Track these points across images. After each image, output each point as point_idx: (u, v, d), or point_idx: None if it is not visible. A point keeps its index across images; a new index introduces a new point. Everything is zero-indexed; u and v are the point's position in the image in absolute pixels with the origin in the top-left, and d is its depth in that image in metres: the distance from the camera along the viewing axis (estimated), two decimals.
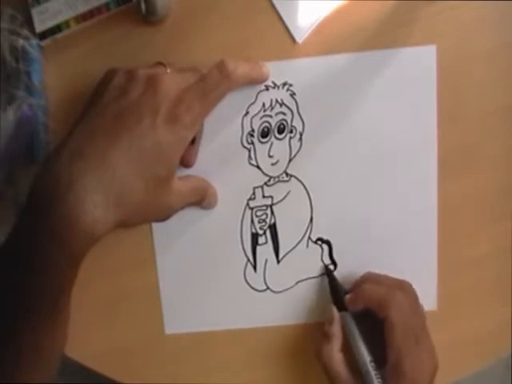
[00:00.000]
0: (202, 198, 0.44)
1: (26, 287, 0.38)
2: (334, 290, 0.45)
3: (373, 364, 0.42)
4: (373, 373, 0.42)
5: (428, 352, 0.42)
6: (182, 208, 0.43)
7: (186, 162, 0.44)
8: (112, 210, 0.38)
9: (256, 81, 0.44)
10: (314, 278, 0.47)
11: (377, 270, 0.45)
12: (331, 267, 0.46)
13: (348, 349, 0.43)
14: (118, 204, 0.38)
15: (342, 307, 0.44)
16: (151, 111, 0.39)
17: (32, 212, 0.38)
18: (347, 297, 0.44)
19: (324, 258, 0.46)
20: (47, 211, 0.37)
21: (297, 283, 0.47)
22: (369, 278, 0.45)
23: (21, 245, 0.38)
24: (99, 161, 0.37)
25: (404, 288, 0.43)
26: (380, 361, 0.42)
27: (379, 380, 0.41)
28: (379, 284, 0.43)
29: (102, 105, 0.40)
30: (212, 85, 0.40)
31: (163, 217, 0.43)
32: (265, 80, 0.44)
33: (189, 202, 0.43)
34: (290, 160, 0.46)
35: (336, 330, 0.44)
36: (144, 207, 0.40)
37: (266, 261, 0.47)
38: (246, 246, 0.47)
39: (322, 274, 0.47)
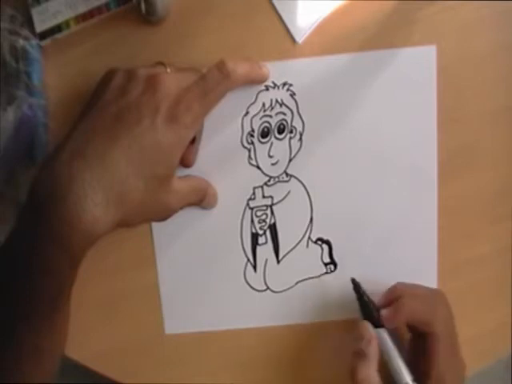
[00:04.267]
0: (202, 198, 0.44)
1: (25, 287, 0.38)
2: (365, 305, 0.43)
3: (415, 383, 0.41)
4: None
5: (461, 360, 0.42)
6: (182, 208, 0.43)
7: (185, 162, 0.44)
8: (112, 210, 0.38)
9: (256, 81, 0.44)
10: (313, 278, 0.47)
11: (377, 270, 0.45)
12: (331, 267, 0.46)
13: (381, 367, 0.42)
14: (117, 203, 0.38)
15: (376, 323, 0.42)
16: (151, 111, 0.39)
17: (32, 212, 0.38)
18: (384, 312, 0.42)
19: (324, 258, 0.46)
20: (47, 211, 0.37)
21: (297, 283, 0.47)
22: (403, 291, 0.43)
23: (20, 245, 0.38)
24: (99, 160, 0.38)
25: (443, 300, 0.42)
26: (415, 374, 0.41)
27: None
28: (417, 297, 0.42)
29: (101, 105, 0.40)
30: (212, 84, 0.40)
31: (163, 216, 0.43)
32: (265, 80, 0.44)
33: (188, 202, 0.43)
34: (290, 160, 0.46)
35: (374, 349, 0.41)
36: (144, 207, 0.40)
37: (266, 261, 0.47)
38: (245, 246, 0.47)
39: (322, 274, 0.47)
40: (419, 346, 0.42)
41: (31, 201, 0.38)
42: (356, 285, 0.44)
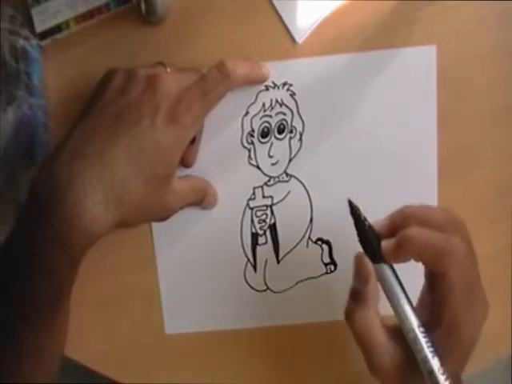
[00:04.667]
0: (202, 198, 0.44)
1: (25, 287, 0.38)
2: (363, 234, 0.36)
3: (421, 329, 0.35)
4: (423, 340, 0.34)
5: (480, 302, 0.36)
6: (182, 208, 0.43)
7: (185, 162, 0.44)
8: (112, 209, 0.38)
9: (256, 81, 0.44)
10: (314, 278, 0.47)
11: None
12: (331, 267, 0.46)
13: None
14: (117, 203, 0.38)
15: (377, 258, 0.35)
16: (151, 111, 0.39)
17: (32, 211, 0.38)
18: (386, 244, 0.35)
19: (324, 258, 0.46)
20: (47, 210, 0.37)
21: (297, 283, 0.47)
22: (411, 218, 0.35)
23: (20, 244, 0.38)
24: (99, 160, 0.38)
25: (459, 228, 0.35)
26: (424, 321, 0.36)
27: (430, 348, 0.34)
28: (428, 226, 0.34)
29: (101, 104, 0.40)
30: (212, 85, 0.40)
31: (163, 216, 0.43)
32: (264, 80, 0.44)
33: (188, 202, 0.43)
34: (290, 160, 0.46)
35: (373, 289, 0.35)
36: (144, 206, 0.40)
37: (266, 261, 0.47)
38: (245, 246, 0.47)
39: (322, 274, 0.47)
40: (430, 285, 0.36)
41: (31, 200, 0.38)
42: (353, 207, 0.37)
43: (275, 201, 0.46)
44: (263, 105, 0.45)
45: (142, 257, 0.47)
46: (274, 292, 0.47)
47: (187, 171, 0.45)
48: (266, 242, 0.47)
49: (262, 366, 0.48)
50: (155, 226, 0.47)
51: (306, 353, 0.47)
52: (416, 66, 0.44)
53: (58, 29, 0.44)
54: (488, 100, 0.44)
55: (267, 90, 0.45)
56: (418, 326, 0.35)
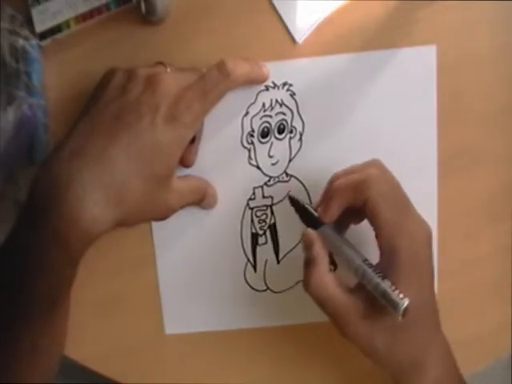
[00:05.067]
0: (202, 198, 0.44)
1: (24, 286, 0.38)
2: (303, 213, 0.41)
3: (367, 261, 0.38)
4: (370, 270, 0.37)
5: (417, 221, 0.39)
6: (182, 207, 0.43)
7: (185, 162, 0.44)
8: (111, 209, 0.38)
9: (256, 81, 0.44)
10: None
11: None
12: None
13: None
14: (117, 202, 0.38)
15: (317, 224, 0.40)
16: (151, 110, 0.39)
17: (31, 210, 0.38)
18: (319, 209, 0.40)
19: None
20: (47, 210, 0.37)
21: (297, 283, 0.47)
22: (335, 178, 0.40)
23: (20, 244, 0.38)
24: (98, 159, 0.38)
25: (376, 165, 0.39)
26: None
27: (379, 274, 0.37)
28: (346, 177, 0.39)
29: (101, 104, 0.40)
30: (211, 84, 0.40)
31: (162, 216, 0.43)
32: (265, 80, 0.44)
33: (188, 202, 0.43)
34: (290, 160, 0.46)
35: (317, 249, 0.39)
36: (143, 206, 0.40)
37: (266, 261, 0.47)
38: (245, 246, 0.47)
39: None
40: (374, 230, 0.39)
41: (31, 200, 0.38)
42: (291, 198, 0.42)
43: (275, 201, 0.46)
44: (263, 105, 0.45)
45: (142, 257, 0.47)
46: (274, 292, 0.47)
47: (187, 171, 0.45)
48: (266, 242, 0.47)
49: (262, 365, 0.48)
50: (155, 225, 0.47)
51: (305, 353, 0.47)
52: (416, 66, 0.44)
53: (57, 29, 0.44)
54: (488, 100, 0.44)
55: (267, 90, 0.45)
56: (364, 260, 0.38)
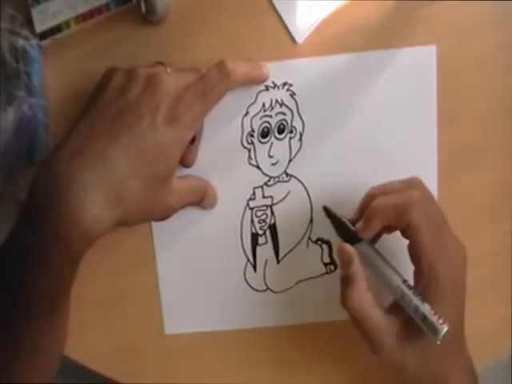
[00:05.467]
0: (202, 198, 0.44)
1: (24, 286, 0.38)
2: (340, 226, 0.41)
3: (407, 282, 0.38)
4: (409, 292, 0.37)
5: (455, 242, 0.39)
6: (182, 208, 0.43)
7: (185, 162, 0.44)
8: (111, 209, 0.38)
9: (256, 81, 0.44)
10: (314, 278, 0.47)
11: None
12: (331, 267, 0.46)
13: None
14: (117, 202, 0.38)
15: (354, 239, 0.39)
16: (151, 110, 0.39)
17: (31, 210, 0.38)
18: (358, 225, 0.39)
19: (324, 258, 0.46)
20: (47, 210, 0.37)
21: (297, 283, 0.47)
22: (374, 194, 0.40)
23: (20, 244, 0.38)
24: (99, 159, 0.38)
25: (416, 184, 0.39)
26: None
27: (419, 297, 0.37)
28: (388, 194, 0.39)
29: (101, 104, 0.40)
30: (211, 84, 0.40)
31: (162, 216, 0.43)
32: (265, 80, 0.44)
33: (188, 202, 0.43)
34: (290, 160, 0.46)
35: (357, 267, 0.38)
36: (143, 206, 0.40)
37: (266, 261, 0.47)
38: (245, 246, 0.47)
39: (322, 274, 0.47)
40: (409, 250, 0.39)
41: (31, 200, 0.38)
42: (327, 210, 0.42)
43: (275, 201, 0.46)
44: (263, 105, 0.45)
45: (142, 257, 0.47)
46: (274, 292, 0.47)
47: (187, 171, 0.45)
48: (266, 242, 0.47)
49: (262, 366, 0.48)
50: (155, 225, 0.47)
51: (306, 353, 0.47)
52: (416, 66, 0.44)
53: (57, 29, 0.44)
54: (488, 100, 0.44)
55: (267, 90, 0.45)
56: (403, 281, 0.38)
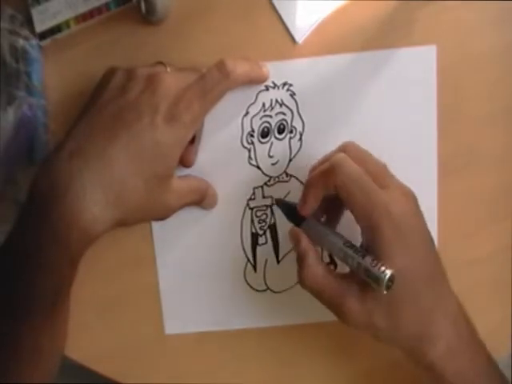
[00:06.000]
0: (202, 198, 0.44)
1: (24, 286, 0.38)
2: (287, 211, 0.42)
3: (348, 243, 0.38)
4: (350, 251, 0.37)
5: (397, 187, 0.39)
6: (181, 208, 0.43)
7: (185, 162, 0.44)
8: (111, 208, 0.38)
9: (256, 81, 0.44)
10: None
11: None
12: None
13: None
14: (116, 202, 0.38)
15: (300, 220, 0.41)
16: (150, 110, 0.39)
17: (31, 210, 0.38)
18: (298, 204, 0.40)
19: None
20: (46, 209, 0.37)
21: (297, 283, 0.47)
22: (312, 170, 0.41)
23: (20, 243, 0.38)
24: (98, 159, 0.38)
25: (346, 147, 0.40)
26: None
27: (360, 253, 0.37)
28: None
29: (101, 104, 0.40)
30: (211, 84, 0.40)
31: (162, 216, 0.43)
32: (265, 80, 0.44)
33: (188, 202, 0.43)
34: (290, 160, 0.46)
35: (303, 244, 0.39)
36: (143, 206, 0.40)
37: (266, 261, 0.47)
38: (245, 246, 0.47)
39: None
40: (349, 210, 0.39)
41: (30, 199, 0.38)
42: (277, 200, 0.44)
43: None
44: (263, 105, 0.45)
45: (142, 257, 0.47)
46: (274, 292, 0.47)
47: (187, 171, 0.45)
48: (266, 242, 0.47)
49: (261, 365, 0.48)
50: (155, 225, 0.47)
51: (305, 353, 0.47)
52: (416, 66, 0.44)
53: (57, 29, 0.44)
54: (488, 100, 0.44)
55: (267, 90, 0.45)
56: (344, 243, 0.38)
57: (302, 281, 0.39)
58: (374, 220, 0.37)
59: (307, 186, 0.40)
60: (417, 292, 0.37)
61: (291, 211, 0.41)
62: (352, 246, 0.38)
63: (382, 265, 0.36)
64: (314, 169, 0.41)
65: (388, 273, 0.35)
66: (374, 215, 0.37)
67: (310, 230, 0.40)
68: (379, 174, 0.39)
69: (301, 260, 0.39)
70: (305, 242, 0.39)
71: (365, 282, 0.37)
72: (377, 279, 0.36)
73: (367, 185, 0.37)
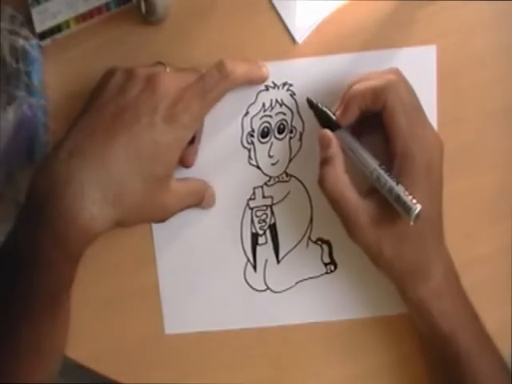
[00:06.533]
0: (201, 201, 0.44)
1: (23, 285, 0.38)
2: (321, 115, 0.42)
3: (383, 166, 0.39)
4: (384, 174, 0.38)
5: (431, 131, 0.40)
6: (180, 211, 0.43)
7: (185, 162, 0.44)
8: (109, 208, 0.38)
9: (255, 81, 0.44)
10: (314, 277, 0.47)
11: (377, 272, 0.44)
12: (331, 267, 0.46)
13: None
14: (115, 202, 0.38)
15: (334, 126, 0.41)
16: (149, 110, 0.39)
17: (30, 209, 0.38)
18: (337, 112, 0.41)
19: (324, 258, 0.46)
20: (45, 208, 0.37)
21: (297, 283, 0.47)
22: (352, 83, 0.41)
23: (19, 243, 0.38)
24: (97, 158, 0.38)
25: (395, 72, 0.40)
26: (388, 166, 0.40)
27: (393, 179, 0.38)
28: (366, 81, 0.40)
29: (100, 103, 0.40)
30: (211, 85, 0.40)
31: (161, 218, 0.43)
32: (264, 80, 0.44)
33: (187, 205, 0.43)
34: (290, 160, 0.46)
35: (335, 149, 0.40)
36: (141, 207, 0.40)
37: (266, 261, 0.47)
38: (245, 246, 0.47)
39: (322, 274, 0.47)
40: (386, 133, 0.40)
41: (29, 199, 0.38)
42: (310, 101, 0.42)
43: (275, 201, 0.46)
44: (263, 105, 0.45)
45: (142, 257, 0.47)
46: (274, 292, 0.47)
47: (187, 171, 0.45)
48: (266, 242, 0.47)
49: (261, 366, 0.48)
50: (155, 225, 0.47)
51: (305, 353, 0.47)
52: (416, 66, 0.44)
53: (57, 29, 0.44)
54: (488, 100, 0.44)
55: (267, 90, 0.45)
56: (379, 165, 0.39)
57: (323, 182, 0.40)
58: (411, 151, 0.38)
59: (353, 96, 0.40)
60: (424, 231, 0.40)
61: (325, 116, 0.41)
62: (386, 170, 0.39)
63: (414, 197, 0.37)
64: (354, 83, 0.41)
65: (418, 207, 0.37)
66: (413, 147, 0.38)
67: (344, 140, 0.40)
68: (420, 112, 0.40)
69: (328, 162, 0.40)
70: (336, 146, 0.40)
71: (382, 206, 0.39)
72: (408, 209, 0.37)
73: (413, 115, 0.39)
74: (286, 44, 0.44)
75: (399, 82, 0.39)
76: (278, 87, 0.45)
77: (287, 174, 0.46)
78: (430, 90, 0.44)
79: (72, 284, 0.40)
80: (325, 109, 0.42)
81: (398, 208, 0.38)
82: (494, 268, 0.46)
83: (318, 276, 0.47)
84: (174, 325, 0.48)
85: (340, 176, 0.40)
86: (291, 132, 0.45)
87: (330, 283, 0.46)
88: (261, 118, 0.45)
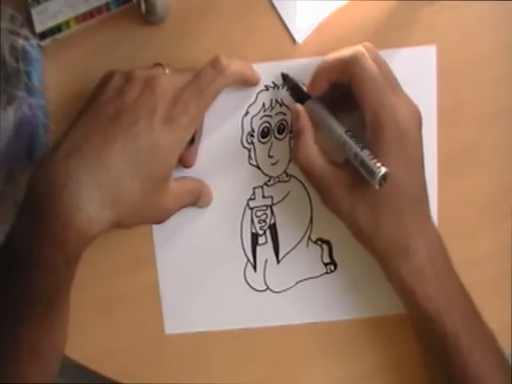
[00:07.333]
0: (197, 199, 0.44)
1: (21, 286, 0.38)
2: (293, 89, 0.43)
3: (349, 133, 0.39)
4: (350, 140, 0.39)
5: (404, 100, 0.40)
6: (178, 210, 0.43)
7: (185, 162, 0.44)
8: (107, 209, 0.38)
9: (249, 80, 0.44)
10: (314, 277, 0.47)
11: (377, 271, 0.44)
12: (331, 267, 0.46)
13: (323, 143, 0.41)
14: (113, 203, 0.38)
15: (304, 99, 0.42)
16: (148, 112, 0.39)
17: (28, 209, 0.38)
18: (308, 82, 0.42)
19: (324, 258, 0.46)
20: (43, 209, 0.37)
21: (297, 283, 0.47)
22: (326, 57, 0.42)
23: (18, 243, 0.38)
24: (95, 159, 0.38)
25: (366, 45, 0.41)
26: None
27: (359, 144, 0.38)
28: (335, 53, 0.41)
29: (99, 104, 0.40)
30: (207, 82, 0.40)
31: (159, 219, 0.43)
32: (257, 82, 0.44)
33: (184, 204, 0.43)
34: (290, 160, 0.46)
35: (303, 121, 0.41)
36: (140, 208, 0.40)
37: (266, 261, 0.47)
38: (246, 246, 0.47)
39: (322, 274, 0.47)
40: (358, 103, 0.40)
41: (27, 199, 0.38)
42: (284, 75, 0.43)
43: (275, 201, 0.46)
44: (263, 105, 0.45)
45: (142, 257, 0.47)
46: (274, 292, 0.47)
47: (187, 171, 0.45)
48: (266, 242, 0.47)
49: (261, 366, 0.48)
50: (155, 225, 0.47)
51: (305, 353, 0.47)
52: (416, 66, 0.44)
53: (57, 29, 0.44)
54: (488, 100, 0.44)
55: (267, 90, 0.45)
56: (345, 131, 0.39)
57: (295, 157, 0.41)
58: (380, 118, 0.38)
59: (321, 68, 0.41)
60: (401, 203, 0.39)
61: (296, 89, 0.42)
62: (353, 136, 0.39)
63: (379, 161, 0.37)
64: (326, 61, 0.41)
65: (383, 170, 0.37)
66: (381, 114, 0.38)
67: (313, 110, 0.41)
68: (391, 82, 0.40)
69: (298, 135, 0.41)
70: (305, 119, 0.41)
71: (356, 175, 0.39)
72: (372, 172, 0.37)
73: (380, 84, 0.39)
74: (286, 44, 0.44)
75: (366, 53, 0.39)
76: (278, 87, 0.45)
77: (287, 174, 0.46)
78: (429, 90, 0.44)
79: (71, 284, 0.40)
80: (296, 81, 0.43)
81: (364, 173, 0.38)
82: (494, 268, 0.46)
83: (318, 276, 0.47)
84: (174, 325, 0.48)
85: (310, 148, 0.40)
86: (291, 132, 0.45)
87: (329, 283, 0.46)
88: (261, 118, 0.45)
